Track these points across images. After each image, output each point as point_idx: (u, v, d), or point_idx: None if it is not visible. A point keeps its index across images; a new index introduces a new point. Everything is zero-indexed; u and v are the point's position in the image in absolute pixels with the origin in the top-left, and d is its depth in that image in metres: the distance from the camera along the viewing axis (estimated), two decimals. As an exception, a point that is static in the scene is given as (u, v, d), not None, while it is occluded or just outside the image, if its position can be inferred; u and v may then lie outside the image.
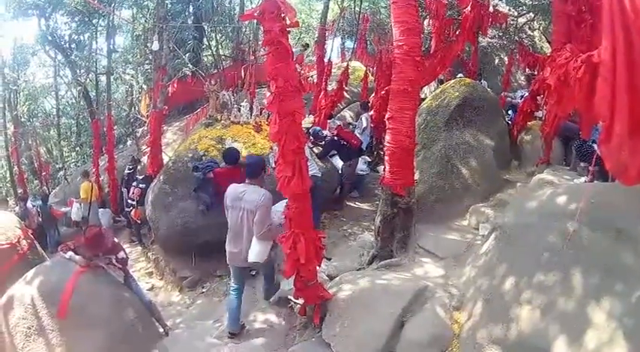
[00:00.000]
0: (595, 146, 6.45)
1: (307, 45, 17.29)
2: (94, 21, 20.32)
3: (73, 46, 22.02)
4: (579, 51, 4.05)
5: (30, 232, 7.26)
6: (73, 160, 24.80)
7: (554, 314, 3.56)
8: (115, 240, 5.64)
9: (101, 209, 12.02)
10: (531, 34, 17.67)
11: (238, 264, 5.59)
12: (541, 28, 17.38)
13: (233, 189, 5.47)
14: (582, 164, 7.72)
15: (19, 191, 17.81)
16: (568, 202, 4.26)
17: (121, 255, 5.45)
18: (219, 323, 6.09)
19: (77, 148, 25.18)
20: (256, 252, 5.22)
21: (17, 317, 4.72)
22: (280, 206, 5.22)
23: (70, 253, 5.20)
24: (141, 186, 9.74)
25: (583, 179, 7.03)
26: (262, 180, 5.54)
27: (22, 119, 24.55)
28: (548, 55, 8.35)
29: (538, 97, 9.26)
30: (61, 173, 21.70)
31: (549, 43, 15.42)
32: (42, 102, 28.67)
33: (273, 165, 7.03)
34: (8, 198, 19.22)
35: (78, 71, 22.01)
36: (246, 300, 6.58)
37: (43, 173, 21.28)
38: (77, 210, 11.83)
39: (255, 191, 5.31)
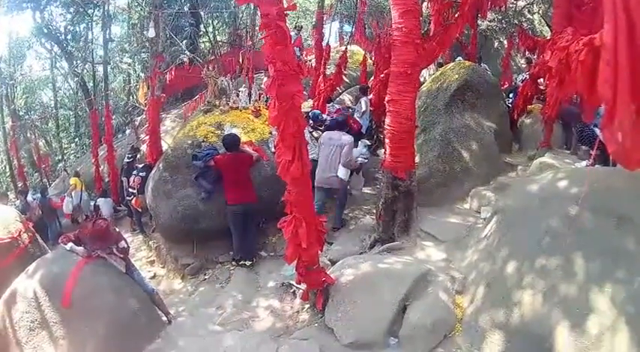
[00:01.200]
0: (596, 130, 6.43)
1: (300, 27, 17.17)
2: (90, 11, 20.18)
3: (68, 37, 21.86)
4: (580, 34, 4.01)
5: (31, 225, 7.25)
6: (72, 152, 24.82)
7: (556, 299, 3.56)
8: (116, 229, 5.63)
9: (102, 198, 12.01)
10: (531, 17, 17.61)
11: (325, 185, 7.15)
12: (540, 11, 17.30)
13: (327, 134, 7.40)
14: (583, 148, 7.71)
15: (19, 184, 17.83)
16: (569, 186, 4.26)
17: (122, 244, 5.44)
18: (221, 310, 6.07)
19: (76, 139, 25.19)
20: (342, 173, 7.07)
21: (21, 312, 4.73)
22: (360, 148, 8.31)
23: (71, 244, 5.19)
24: (141, 174, 9.71)
25: (584, 163, 7.02)
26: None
27: (20, 112, 24.55)
28: (549, 38, 8.30)
29: (538, 80, 9.22)
30: (61, 165, 21.77)
31: (549, 26, 15.35)
32: (39, 95, 28.71)
33: (273, 150, 7.03)
34: (8, 192, 19.19)
35: (75, 62, 21.88)
36: (249, 286, 6.62)
37: (43, 166, 21.29)
38: (68, 203, 11.84)
39: (343, 134, 7.26)
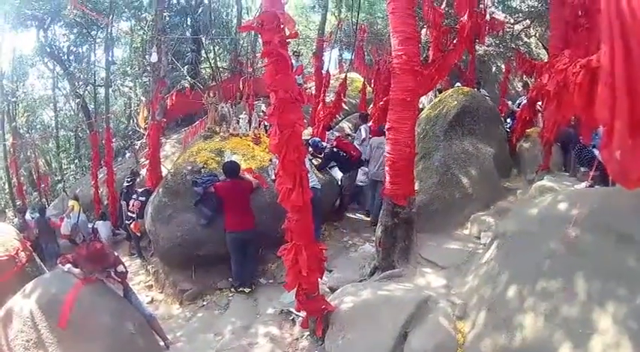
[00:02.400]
0: (595, 151, 6.46)
1: (298, 53, 17.30)
2: (93, 33, 20.45)
3: (71, 57, 22.14)
4: (577, 56, 4.06)
5: (28, 244, 7.23)
6: (71, 172, 24.81)
7: (558, 320, 3.54)
8: (115, 253, 5.61)
9: (100, 221, 11.99)
10: (528, 40, 17.74)
11: (378, 178, 8.16)
12: (537, 34, 17.46)
13: (377, 140, 8.52)
14: (582, 169, 7.73)
15: (18, 203, 17.77)
16: (569, 208, 4.25)
17: (120, 268, 5.41)
18: (220, 337, 6.05)
19: (76, 160, 25.20)
20: None
21: (16, 330, 4.66)
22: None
23: (69, 265, 5.16)
24: (140, 199, 9.71)
25: (583, 184, 7.01)
26: None
27: (21, 131, 24.56)
28: (546, 61, 8.37)
29: (536, 104, 9.28)
30: (60, 185, 21.70)
31: (546, 49, 15.51)
32: (40, 114, 28.73)
33: (273, 177, 7.04)
34: (7, 210, 19.14)
35: (76, 83, 22.07)
36: (248, 313, 6.59)
37: (42, 185, 21.23)
38: (66, 224, 11.81)
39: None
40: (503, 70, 15.08)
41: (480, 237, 6.83)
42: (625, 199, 3.95)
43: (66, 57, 22.02)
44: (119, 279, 5.40)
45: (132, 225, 9.91)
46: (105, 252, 5.26)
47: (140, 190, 10.22)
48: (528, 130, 9.96)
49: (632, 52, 2.95)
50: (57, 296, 4.85)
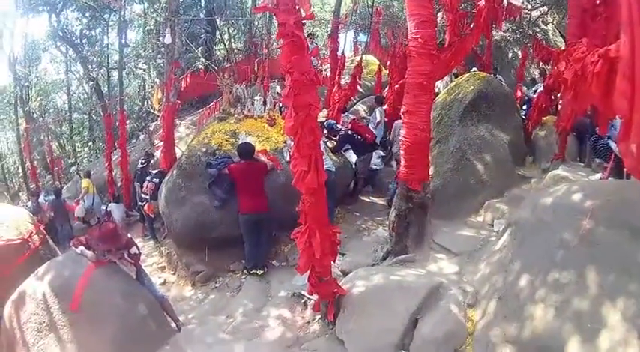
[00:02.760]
0: (611, 142, 6.38)
1: (312, 34, 17.20)
2: (105, 16, 20.49)
3: (84, 41, 22.17)
4: (594, 45, 3.99)
5: (42, 227, 7.28)
6: (85, 155, 25.03)
7: (569, 313, 3.51)
8: (128, 235, 5.64)
9: (114, 203, 12.07)
10: (545, 27, 17.53)
11: None
12: (554, 21, 17.23)
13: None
14: (597, 160, 7.64)
15: (32, 186, 17.95)
16: (583, 199, 4.19)
17: (134, 250, 5.42)
18: (231, 319, 6.07)
19: (90, 143, 25.42)
20: None
21: (29, 313, 4.72)
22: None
23: (82, 248, 5.19)
24: (154, 180, 9.75)
25: (598, 176, 6.95)
26: None
27: (35, 115, 24.76)
28: (563, 49, 8.25)
29: (553, 92, 9.17)
30: (74, 168, 21.88)
31: (563, 36, 15.30)
32: (54, 98, 28.94)
33: (288, 159, 7.02)
34: (20, 193, 19.34)
35: (90, 66, 22.14)
36: (260, 295, 6.61)
37: (56, 168, 21.42)
38: (81, 207, 11.90)
39: None
40: (520, 57, 14.88)
41: (493, 224, 6.81)
42: (639, 193, 3.90)
43: (79, 40, 22.08)
44: (132, 261, 5.43)
45: (145, 207, 9.95)
46: (118, 232, 5.28)
47: (154, 172, 10.26)
48: (544, 118, 9.87)
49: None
50: (70, 279, 4.89)
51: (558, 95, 8.87)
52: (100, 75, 22.16)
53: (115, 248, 5.23)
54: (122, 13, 15.68)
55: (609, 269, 3.50)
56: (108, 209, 11.95)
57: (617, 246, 3.60)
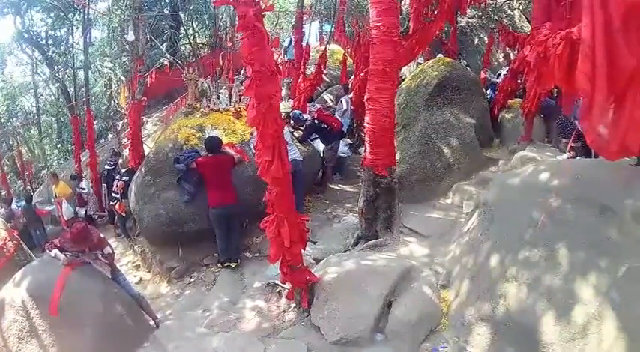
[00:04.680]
0: (576, 122, 6.51)
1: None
2: (70, 15, 20.05)
3: (49, 42, 21.76)
4: (558, 28, 4.06)
5: (16, 233, 7.20)
6: (55, 158, 24.58)
7: (541, 290, 3.61)
8: (101, 235, 5.60)
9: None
10: (511, 13, 17.67)
11: None
12: (520, 7, 17.39)
13: None
14: (564, 140, 7.78)
15: (3, 193, 17.60)
16: (550, 178, 4.30)
17: (107, 250, 5.42)
18: (208, 312, 6.08)
19: (59, 146, 24.98)
20: None
21: (9, 320, 4.71)
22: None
23: (55, 251, 5.15)
24: (124, 179, 9.66)
25: (565, 155, 7.08)
26: None
27: (2, 119, 24.25)
28: (528, 33, 8.37)
29: (518, 76, 9.30)
30: (44, 172, 21.53)
31: (529, 22, 15.45)
32: (21, 102, 28.29)
33: (254, 151, 7.02)
34: (-8, 201, 18.96)
35: (56, 67, 21.73)
36: (235, 287, 6.63)
37: (26, 173, 21.06)
38: (67, 208, 11.70)
39: None
40: (486, 42, 15.03)
41: (462, 206, 6.91)
42: (606, 170, 4.00)
43: (44, 41, 21.68)
44: (107, 261, 5.41)
45: (117, 206, 9.86)
46: (88, 231, 5.24)
47: (123, 170, 10.18)
48: (510, 101, 10.02)
49: (611, 25, 2.97)
50: (47, 284, 4.88)
51: (524, 78, 8.99)
52: (66, 75, 21.76)
53: (88, 247, 5.21)
54: (86, 11, 15.43)
55: (579, 246, 3.59)
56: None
57: (586, 223, 3.69)
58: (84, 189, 12.00)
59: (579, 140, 6.23)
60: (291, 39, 15.14)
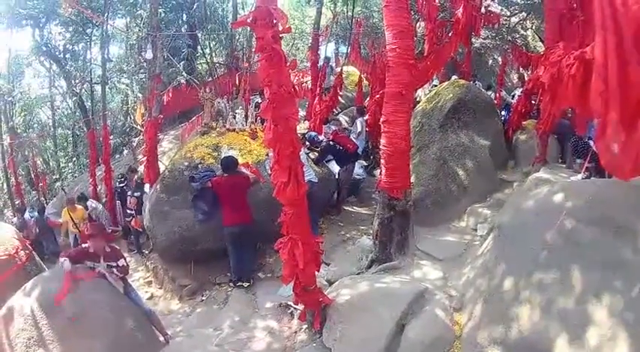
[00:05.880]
0: (591, 142, 6.47)
1: (329, 59, 17.07)
2: (88, 31, 20.33)
3: (67, 56, 22.06)
4: (572, 48, 4.07)
5: (28, 243, 7.25)
6: (69, 171, 24.74)
7: (555, 312, 3.56)
8: (116, 247, 5.65)
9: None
10: (524, 33, 17.72)
11: None
12: (534, 27, 17.42)
13: None
14: (578, 161, 7.74)
15: (17, 202, 17.77)
16: (565, 200, 4.26)
17: (122, 262, 5.47)
18: (219, 331, 6.08)
19: (74, 159, 25.14)
20: None
21: (17, 329, 4.72)
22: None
23: (63, 259, 5.17)
24: (135, 194, 9.81)
25: (579, 176, 7.04)
26: None
27: (19, 130, 24.49)
28: (542, 53, 8.39)
29: (532, 96, 9.28)
30: (58, 184, 21.67)
31: (542, 41, 15.46)
32: (38, 113, 28.58)
33: (270, 172, 7.06)
34: (5, 210, 19.13)
35: (73, 81, 22.01)
36: (247, 307, 6.62)
37: (40, 184, 21.22)
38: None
39: None
40: (500, 63, 15.04)
41: (476, 229, 6.88)
42: (620, 191, 3.97)
43: (62, 55, 21.99)
44: (121, 274, 5.44)
45: (132, 222, 9.95)
46: (102, 226, 5.33)
47: (133, 187, 10.28)
48: (524, 122, 9.98)
49: (623, 44, 2.97)
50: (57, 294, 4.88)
51: (538, 99, 8.98)
52: (83, 90, 22.02)
53: (103, 257, 5.26)
54: (105, 27, 15.67)
55: (593, 267, 3.55)
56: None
57: (600, 244, 3.66)
58: (93, 207, 12.03)
59: (593, 160, 6.20)
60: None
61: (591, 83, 3.27)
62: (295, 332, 5.52)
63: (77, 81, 21.99)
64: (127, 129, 21.91)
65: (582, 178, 6.74)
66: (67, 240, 11.25)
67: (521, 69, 13.11)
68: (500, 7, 16.02)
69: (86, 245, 5.45)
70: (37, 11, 19.58)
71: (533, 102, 9.62)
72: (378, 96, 9.86)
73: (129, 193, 10.16)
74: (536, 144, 8.83)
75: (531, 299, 3.80)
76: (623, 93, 3.00)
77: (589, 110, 3.45)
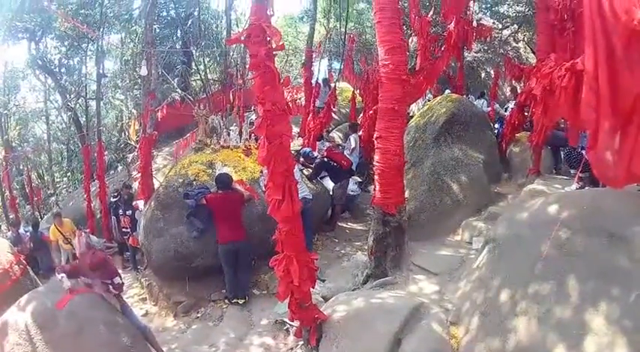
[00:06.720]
0: (584, 152, 6.51)
1: (327, 80, 17.10)
2: (84, 45, 20.40)
3: (62, 70, 22.12)
4: (563, 59, 4.12)
5: (22, 258, 7.22)
6: (64, 186, 24.71)
7: (552, 322, 3.57)
8: (112, 264, 5.64)
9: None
10: (516, 45, 17.87)
11: None
12: (525, 39, 17.61)
13: None
14: (572, 171, 7.78)
15: (11, 216, 17.67)
16: (559, 211, 4.29)
17: (117, 280, 5.44)
18: (214, 348, 6.06)
19: (68, 174, 25.11)
20: None
21: (11, 343, 4.66)
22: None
23: (63, 275, 5.15)
24: (128, 213, 9.85)
25: (574, 186, 7.07)
26: None
27: (13, 144, 24.45)
28: (534, 65, 8.47)
29: (525, 109, 9.34)
30: (53, 198, 21.61)
31: (534, 53, 15.61)
32: (33, 127, 28.57)
33: (264, 189, 7.08)
34: (0, 224, 19.04)
35: (68, 96, 22.03)
36: (242, 324, 6.59)
37: (35, 198, 21.15)
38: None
39: None
40: (493, 76, 15.15)
41: (471, 242, 6.89)
42: (614, 199, 4.01)
43: (57, 69, 22.04)
44: (117, 292, 5.42)
45: (130, 240, 9.95)
46: (107, 261, 5.31)
47: (125, 205, 10.28)
48: (518, 135, 10.04)
49: (613, 54, 3.01)
50: (52, 310, 4.85)
51: (531, 111, 9.04)
52: (78, 105, 22.03)
53: (101, 279, 5.23)
54: (100, 42, 15.71)
55: (589, 276, 3.57)
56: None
57: (595, 253, 3.68)
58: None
59: (587, 170, 6.23)
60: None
61: (582, 94, 3.31)
62: (291, 348, 5.51)
63: (72, 95, 22.01)
64: (122, 145, 21.89)
65: (576, 188, 6.78)
66: (60, 256, 11.21)
67: (513, 81, 13.21)
68: (491, 20, 16.20)
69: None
70: (33, 24, 19.63)
71: (526, 114, 9.69)
72: (371, 112, 9.91)
73: (120, 212, 10.21)
74: (530, 156, 8.88)
75: (528, 311, 3.81)
76: (614, 102, 3.04)
77: (581, 121, 3.49)
